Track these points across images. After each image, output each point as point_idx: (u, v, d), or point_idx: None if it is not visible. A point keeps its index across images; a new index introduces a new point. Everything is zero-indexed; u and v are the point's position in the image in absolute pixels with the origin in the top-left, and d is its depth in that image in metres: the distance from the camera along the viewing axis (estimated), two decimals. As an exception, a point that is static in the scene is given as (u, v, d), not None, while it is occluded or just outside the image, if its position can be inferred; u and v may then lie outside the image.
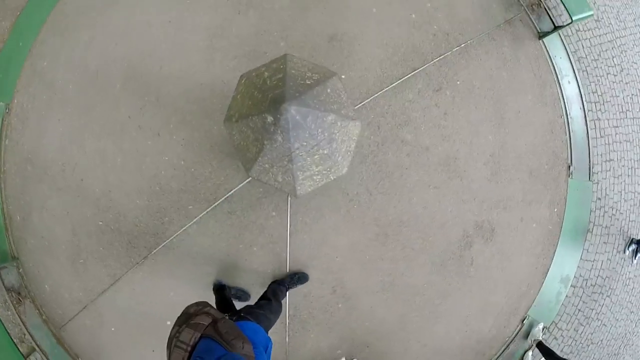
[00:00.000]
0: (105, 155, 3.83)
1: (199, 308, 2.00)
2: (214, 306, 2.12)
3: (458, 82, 3.96)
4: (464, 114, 3.97)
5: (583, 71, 4.13)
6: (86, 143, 3.85)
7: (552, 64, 4.08)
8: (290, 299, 3.83)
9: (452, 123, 3.95)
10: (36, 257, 3.92)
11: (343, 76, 3.83)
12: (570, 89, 4.10)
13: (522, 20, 4.09)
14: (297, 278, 3.76)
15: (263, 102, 2.27)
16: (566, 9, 3.68)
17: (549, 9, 3.96)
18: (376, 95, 3.86)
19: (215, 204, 3.77)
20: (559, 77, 4.08)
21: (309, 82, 2.32)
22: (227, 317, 2.05)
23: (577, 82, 4.09)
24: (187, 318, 1.92)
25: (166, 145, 3.80)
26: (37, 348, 3.81)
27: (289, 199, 3.75)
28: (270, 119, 2.21)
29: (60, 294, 3.90)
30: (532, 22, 4.06)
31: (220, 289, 3.63)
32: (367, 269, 3.89)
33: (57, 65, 3.90)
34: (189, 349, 1.76)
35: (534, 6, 4.06)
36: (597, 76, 4.15)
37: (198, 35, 3.84)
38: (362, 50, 3.89)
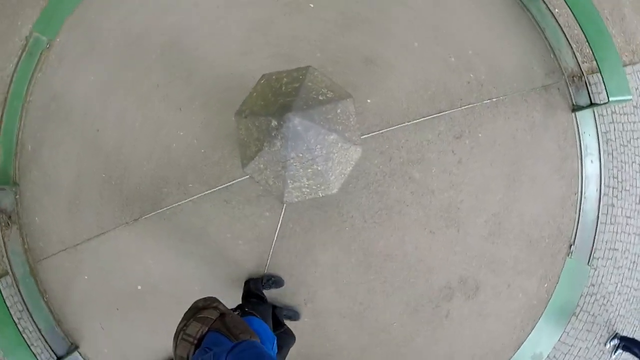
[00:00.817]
0: (125, 115, 3.96)
1: (207, 303, 1.99)
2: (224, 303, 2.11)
3: (480, 135, 3.94)
4: (478, 166, 3.93)
5: (609, 154, 4.03)
6: (111, 99, 3.98)
7: (580, 139, 4.00)
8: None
9: (463, 172, 3.92)
10: (35, 189, 4.05)
11: (369, 100, 3.86)
12: (591, 168, 4.01)
13: (560, 89, 4.03)
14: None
15: (273, 105, 2.33)
16: (605, 89, 3.62)
17: (589, 84, 3.90)
18: (396, 126, 3.87)
19: (215, 189, 3.85)
20: (582, 153, 3.99)
21: (321, 98, 2.36)
22: (234, 312, 2.07)
23: (600, 163, 4.00)
24: (194, 312, 1.91)
25: (185, 121, 3.91)
26: (10, 272, 3.91)
27: (285, 205, 3.79)
28: (274, 123, 2.26)
29: (47, 230, 4.03)
30: (570, 93, 3.99)
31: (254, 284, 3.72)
32: (341, 292, 3.88)
33: (105, 20, 4.05)
34: (195, 341, 1.76)
35: (575, 78, 4.00)
36: (622, 162, 4.04)
37: (241, 26, 3.94)
38: (394, 79, 3.91)
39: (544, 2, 3.98)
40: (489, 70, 3.98)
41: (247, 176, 3.73)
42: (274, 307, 3.65)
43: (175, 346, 1.80)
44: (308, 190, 2.51)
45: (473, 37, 4.01)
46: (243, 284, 3.78)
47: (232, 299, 3.76)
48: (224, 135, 3.86)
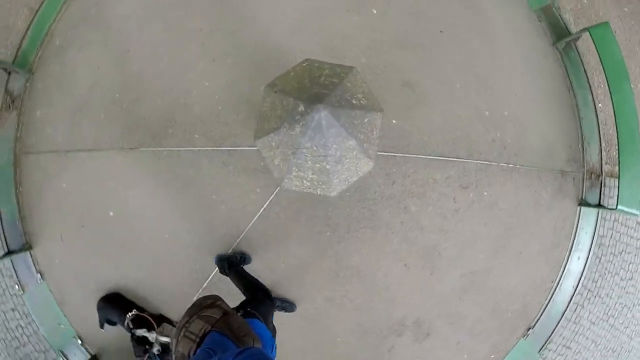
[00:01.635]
0: (159, 47, 3.91)
1: (211, 301, 1.99)
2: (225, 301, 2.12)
3: (485, 193, 3.94)
4: (473, 222, 3.94)
5: (597, 257, 4.05)
6: (152, 26, 3.94)
7: (576, 233, 4.03)
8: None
9: (457, 222, 3.92)
10: (48, 84, 4.00)
11: (394, 121, 3.84)
12: (576, 264, 4.03)
13: (575, 179, 4.05)
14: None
15: (306, 91, 2.32)
16: (618, 196, 3.62)
17: (604, 185, 3.92)
18: (411, 155, 3.86)
19: (219, 148, 3.82)
20: (573, 247, 4.02)
21: (354, 102, 2.35)
22: (238, 313, 2.07)
23: (586, 263, 4.02)
24: (198, 309, 1.91)
25: (214, 74, 3.87)
26: None
27: (279, 188, 3.77)
28: (301, 108, 2.25)
29: (45, 127, 3.98)
30: (583, 187, 4.01)
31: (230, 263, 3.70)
32: (301, 291, 3.88)
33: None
34: (198, 340, 1.75)
35: (592, 174, 4.02)
36: (606, 269, 4.06)
37: (301, 7, 3.91)
38: (425, 111, 3.90)
39: (591, 93, 4.00)
40: (517, 137, 3.99)
41: (254, 148, 3.71)
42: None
43: (177, 342, 1.81)
44: (309, 184, 2.50)
45: (513, 101, 4.01)
46: (215, 258, 3.77)
47: (191, 258, 3.88)
48: (246, 100, 3.82)
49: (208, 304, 1.96)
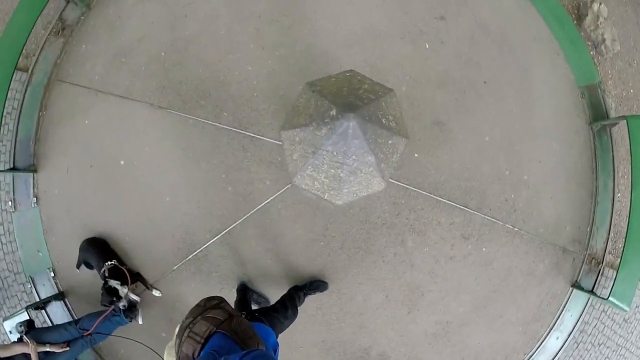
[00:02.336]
0: (216, 20, 4.01)
1: (216, 302, 1.97)
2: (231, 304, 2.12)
3: (484, 249, 3.94)
4: (462, 274, 3.94)
5: (576, 342, 4.03)
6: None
7: (561, 313, 4.02)
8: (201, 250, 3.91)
9: (447, 269, 3.92)
10: (100, 23, 4.13)
11: (416, 155, 3.89)
12: (553, 343, 4.01)
13: (575, 260, 4.05)
14: (316, 285, 3.77)
15: (342, 98, 2.37)
16: (612, 288, 3.62)
17: (601, 274, 3.90)
18: (423, 192, 3.89)
19: (243, 132, 3.88)
20: (554, 326, 4.00)
21: (384, 122, 2.39)
22: (243, 316, 2.06)
23: (564, 344, 4.00)
24: (202, 310, 1.89)
25: (259, 61, 3.95)
26: (29, 72, 4.00)
27: (289, 186, 3.81)
28: (334, 112, 2.30)
29: (85, 61, 4.10)
30: (580, 270, 4.01)
31: (243, 290, 3.72)
32: (278, 291, 3.76)
33: None
34: (202, 341, 1.74)
35: (593, 260, 4.01)
36: (581, 357, 4.04)
37: (360, 21, 3.99)
38: (448, 153, 3.94)
39: (614, 180, 4.01)
40: (529, 203, 4.01)
41: (276, 141, 3.77)
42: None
43: (180, 342, 1.79)
44: (319, 186, 2.54)
45: (536, 168, 4.04)
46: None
47: (183, 227, 3.92)
48: (282, 94, 3.89)
49: (212, 305, 1.93)
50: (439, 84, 3.97)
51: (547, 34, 4.22)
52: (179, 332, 1.83)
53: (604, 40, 4.14)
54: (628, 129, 3.74)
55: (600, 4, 4.13)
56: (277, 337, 2.33)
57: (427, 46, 3.99)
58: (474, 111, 3.99)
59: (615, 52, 4.21)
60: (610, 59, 4.26)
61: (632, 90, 4.30)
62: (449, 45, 4.02)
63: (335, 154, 2.33)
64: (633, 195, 3.68)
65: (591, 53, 4.23)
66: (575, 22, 4.23)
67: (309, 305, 3.84)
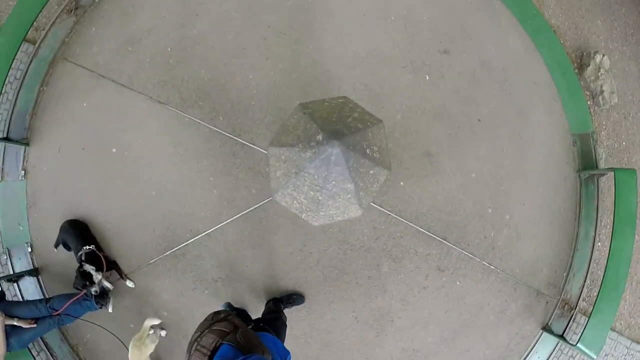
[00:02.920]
0: (224, 24, 4.08)
1: (222, 316, 2.04)
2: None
3: (458, 282, 3.99)
4: (434, 305, 3.98)
5: (538, 386, 4.08)
6: (227, 3, 4.11)
7: (528, 354, 4.09)
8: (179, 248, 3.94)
9: (420, 299, 3.97)
10: (113, 8, 4.19)
11: (402, 183, 3.95)
12: (517, 384, 4.05)
13: (548, 303, 4.10)
14: (293, 299, 3.83)
15: (330, 124, 2.41)
16: (582, 334, 3.66)
17: (573, 320, 3.95)
18: (404, 221, 3.94)
19: (236, 138, 3.93)
20: (519, 371, 4.05)
21: (367, 152, 2.44)
22: (248, 327, 2.10)
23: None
24: (209, 324, 1.96)
25: (261, 70, 4.01)
26: (36, 45, 4.05)
27: (271, 199, 3.84)
28: (320, 137, 2.34)
29: (93, 44, 4.16)
30: (552, 314, 4.04)
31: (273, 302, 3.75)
32: (247, 298, 3.94)
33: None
34: (209, 353, 1.79)
35: (567, 306, 4.06)
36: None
37: (366, 46, 4.06)
38: (434, 185, 3.99)
39: (595, 229, 4.06)
40: (508, 243, 4.06)
41: (266, 152, 3.80)
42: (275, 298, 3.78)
43: (189, 356, 1.85)
44: (298, 206, 2.58)
45: (519, 209, 4.09)
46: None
47: (165, 222, 3.95)
48: (279, 106, 3.95)
49: (219, 318, 2.00)
50: (434, 117, 4.03)
51: (548, 79, 4.28)
52: (188, 347, 1.89)
53: (602, 91, 4.20)
54: (615, 181, 3.80)
55: (603, 55, 4.20)
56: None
57: (428, 78, 4.05)
58: (465, 147, 4.04)
59: (613, 104, 4.27)
60: (606, 110, 4.32)
61: (624, 143, 4.36)
62: (450, 79, 4.07)
63: (316, 177, 2.37)
64: (613, 245, 3.73)
65: (588, 103, 4.29)
66: (576, 70, 4.29)
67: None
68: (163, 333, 3.87)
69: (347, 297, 3.92)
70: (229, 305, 3.82)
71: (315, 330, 3.93)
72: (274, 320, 2.86)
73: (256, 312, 3.85)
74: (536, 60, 4.29)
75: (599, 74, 4.18)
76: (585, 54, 4.29)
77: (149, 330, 3.55)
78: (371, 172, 2.49)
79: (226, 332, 1.88)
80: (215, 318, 2.01)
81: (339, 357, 3.96)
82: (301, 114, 2.55)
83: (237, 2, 4.10)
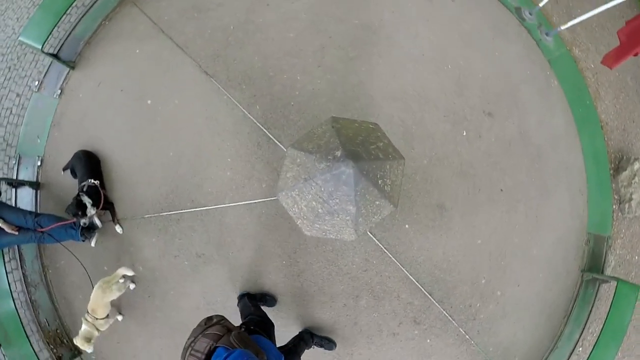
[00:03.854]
0: (289, 23, 4.20)
1: (215, 320, 2.06)
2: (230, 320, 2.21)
3: (428, 341, 3.92)
4: (398, 354, 3.93)
5: None
6: (299, 3, 4.23)
7: None
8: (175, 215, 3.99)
9: (385, 342, 3.92)
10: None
11: (407, 226, 3.94)
12: None
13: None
14: (265, 299, 3.85)
15: (352, 145, 2.44)
16: None
17: None
18: (397, 263, 3.91)
19: (264, 130, 4.00)
20: None
21: (379, 182, 2.45)
22: (242, 330, 2.18)
23: None
24: (202, 329, 1.99)
25: (309, 75, 4.10)
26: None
27: (275, 198, 3.86)
28: (338, 154, 2.37)
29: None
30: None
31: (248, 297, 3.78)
32: (222, 284, 3.94)
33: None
34: (203, 357, 1.83)
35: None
36: None
37: (416, 84, 4.10)
38: (437, 238, 3.97)
39: (581, 334, 3.96)
40: (491, 319, 3.99)
41: (284, 150, 3.86)
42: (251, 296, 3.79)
43: None
44: (297, 211, 2.60)
45: (512, 289, 4.02)
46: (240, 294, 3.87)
47: (171, 185, 4.02)
48: (315, 115, 4.01)
49: (212, 323, 2.03)
50: (459, 172, 4.01)
51: (581, 169, 4.23)
52: (182, 352, 1.92)
53: (631, 199, 4.13)
54: (616, 291, 3.73)
55: (642, 164, 4.14)
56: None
57: (465, 134, 4.05)
58: (480, 211, 4.01)
59: (637, 215, 4.18)
60: (629, 220, 4.24)
61: (637, 257, 4.27)
62: (485, 141, 4.06)
63: (322, 190, 2.39)
64: (593, 354, 3.67)
65: (614, 206, 4.22)
66: (611, 171, 4.24)
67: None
68: (132, 286, 3.93)
69: (316, 317, 3.89)
70: (247, 294, 3.83)
71: (276, 339, 3.87)
72: (265, 322, 2.86)
73: (227, 300, 3.91)
74: (575, 147, 4.26)
75: (633, 181, 4.10)
76: (625, 157, 4.23)
77: (120, 278, 3.62)
78: (377, 202, 2.49)
79: (220, 336, 1.91)
80: (208, 323, 2.03)
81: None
82: (329, 127, 2.59)
83: (309, 5, 4.21)
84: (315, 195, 2.44)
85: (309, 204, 2.50)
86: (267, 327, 2.73)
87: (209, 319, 2.08)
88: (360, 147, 2.43)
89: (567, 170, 4.19)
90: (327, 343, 3.80)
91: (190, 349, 1.87)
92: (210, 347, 1.84)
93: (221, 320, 2.07)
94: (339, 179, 2.33)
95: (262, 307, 3.79)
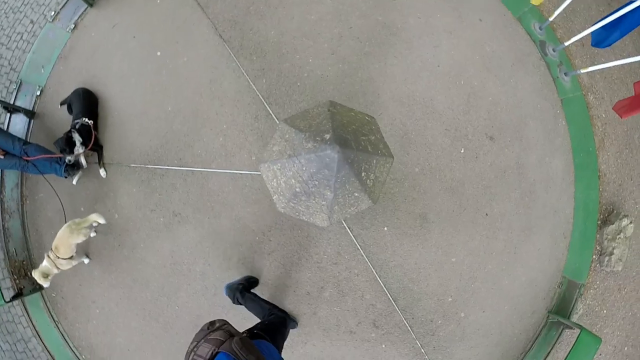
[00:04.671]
0: (313, 4, 4.15)
1: (218, 325, 2.08)
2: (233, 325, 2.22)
3: (383, 346, 3.91)
4: (350, 352, 3.92)
5: None
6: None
7: None
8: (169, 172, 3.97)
9: (341, 338, 3.90)
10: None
11: (386, 228, 3.91)
12: None
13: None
14: (251, 282, 3.81)
15: (343, 132, 2.42)
16: None
17: None
18: (367, 262, 3.89)
19: (264, 104, 3.98)
20: None
21: (362, 175, 2.43)
22: (244, 335, 2.15)
23: None
24: (205, 334, 2.00)
25: (322, 61, 4.06)
26: None
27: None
28: (327, 137, 2.35)
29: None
30: None
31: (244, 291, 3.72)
32: (191, 247, 3.94)
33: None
34: None
35: None
36: None
37: (424, 89, 4.07)
38: (414, 247, 3.94)
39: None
40: (449, 338, 3.98)
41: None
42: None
43: None
44: (275, 185, 2.58)
45: (477, 315, 4.01)
46: (225, 289, 3.79)
47: (166, 138, 4.01)
48: (318, 100, 3.98)
49: (215, 327, 2.05)
50: (449, 188, 3.99)
51: (569, 214, 4.21)
52: (185, 356, 1.92)
53: (612, 253, 4.11)
54: (577, 339, 3.72)
55: (630, 222, 4.11)
56: (280, 352, 2.44)
57: (462, 151, 4.02)
58: (460, 231, 3.98)
59: (614, 270, 4.17)
60: (605, 273, 4.23)
61: (605, 311, 4.25)
62: (481, 164, 4.04)
63: (304, 169, 2.37)
64: None
65: (593, 257, 4.21)
66: (599, 222, 4.22)
67: (206, 295, 3.94)
68: (92, 234, 3.95)
69: (277, 299, 3.88)
70: (249, 278, 3.82)
71: (235, 316, 3.87)
72: (270, 327, 2.82)
73: (193, 263, 3.90)
74: (568, 192, 4.23)
75: (618, 237, 4.09)
76: (615, 211, 4.21)
77: (91, 223, 3.62)
78: (356, 194, 2.47)
79: (222, 341, 1.92)
80: (210, 328, 2.05)
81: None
82: (325, 109, 2.57)
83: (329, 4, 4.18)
84: (296, 173, 2.42)
85: (288, 180, 2.48)
86: (274, 332, 2.68)
87: (212, 323, 2.09)
88: (350, 135, 2.41)
89: (555, 214, 4.17)
90: (254, 282, 3.83)
91: (192, 353, 1.88)
92: (212, 353, 1.85)
93: (224, 325, 2.09)
94: (322, 161, 2.31)
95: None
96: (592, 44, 3.64)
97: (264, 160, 2.63)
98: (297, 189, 2.44)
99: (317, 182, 2.38)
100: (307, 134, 2.43)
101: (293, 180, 2.46)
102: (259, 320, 3.25)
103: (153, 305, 3.96)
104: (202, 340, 1.93)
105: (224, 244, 3.91)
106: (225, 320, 2.13)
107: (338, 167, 2.32)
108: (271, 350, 2.26)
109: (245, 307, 3.51)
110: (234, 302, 3.60)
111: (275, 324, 2.94)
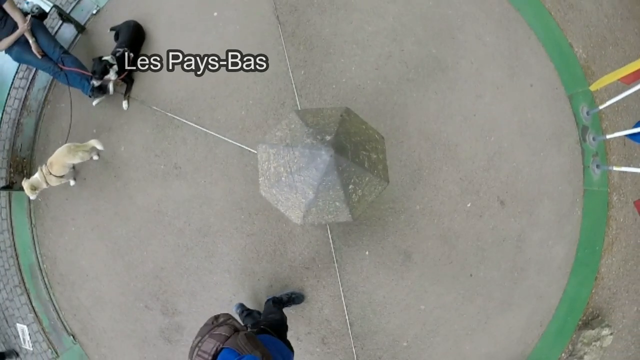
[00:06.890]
0: (380, 16, 4.17)
1: (222, 320, 2.06)
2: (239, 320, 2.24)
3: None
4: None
5: None
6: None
7: None
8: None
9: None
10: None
11: (367, 253, 3.87)
12: None
13: None
14: (293, 297, 3.81)
15: (345, 140, 2.43)
16: None
17: None
18: (338, 279, 3.85)
19: (295, 94, 4.00)
20: None
21: (350, 187, 2.42)
22: (249, 330, 2.17)
23: None
24: (209, 329, 1.99)
25: (363, 73, 4.05)
26: None
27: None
28: (327, 138, 2.36)
29: None
30: None
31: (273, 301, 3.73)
32: (185, 209, 3.99)
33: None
34: (210, 358, 1.83)
35: None
36: None
37: (452, 134, 4.02)
38: (387, 282, 3.87)
39: None
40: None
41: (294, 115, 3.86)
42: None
43: None
44: (265, 168, 2.63)
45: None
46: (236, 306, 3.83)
47: (189, 99, 4.11)
48: (345, 106, 3.92)
49: (219, 322, 2.03)
50: (442, 236, 3.91)
51: (552, 306, 4.05)
52: (189, 352, 1.93)
53: (581, 358, 3.93)
54: None
55: (611, 334, 3.93)
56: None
57: (469, 205, 3.94)
58: (439, 280, 3.89)
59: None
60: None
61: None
62: (483, 224, 3.94)
63: (295, 161, 2.38)
64: None
65: (562, 355, 4.04)
66: (580, 322, 4.05)
67: (176, 252, 4.00)
68: (95, 157, 4.06)
69: (242, 285, 3.89)
70: (241, 305, 3.78)
71: (193, 273, 3.95)
72: (273, 321, 2.84)
73: (175, 218, 3.96)
74: (560, 282, 4.07)
75: (594, 344, 3.90)
76: (600, 318, 4.02)
77: (90, 148, 3.74)
78: (337, 203, 2.46)
79: (226, 337, 1.90)
80: (215, 322, 2.03)
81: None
82: (338, 114, 2.58)
83: (400, 13, 4.17)
84: (286, 163, 2.44)
85: (277, 167, 2.50)
86: (280, 329, 2.67)
87: (216, 318, 2.07)
88: (351, 145, 2.41)
89: (539, 300, 4.02)
90: (297, 297, 3.80)
91: (197, 349, 1.87)
92: (217, 349, 1.84)
93: (228, 319, 2.06)
94: (313, 159, 2.32)
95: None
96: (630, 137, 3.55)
97: (263, 141, 2.65)
98: (283, 179, 2.46)
99: (302, 179, 2.39)
100: (311, 130, 2.44)
101: (282, 169, 2.47)
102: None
103: (124, 242, 4.04)
104: (207, 336, 1.91)
105: (210, 211, 3.95)
106: (230, 315, 2.09)
107: (326, 171, 2.32)
108: (278, 346, 2.23)
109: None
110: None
111: (282, 320, 2.93)
